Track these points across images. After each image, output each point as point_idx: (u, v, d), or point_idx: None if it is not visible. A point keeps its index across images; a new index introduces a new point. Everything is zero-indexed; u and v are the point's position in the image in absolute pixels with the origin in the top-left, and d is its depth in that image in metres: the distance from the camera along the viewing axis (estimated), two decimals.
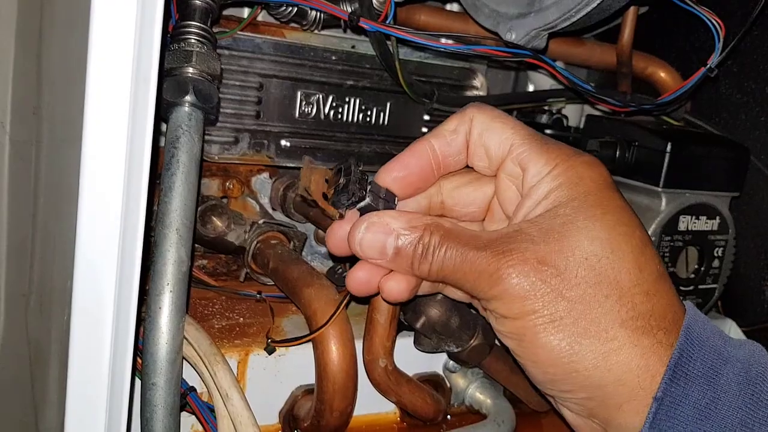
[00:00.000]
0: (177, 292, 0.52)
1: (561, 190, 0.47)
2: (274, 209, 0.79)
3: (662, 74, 0.93)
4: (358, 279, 0.51)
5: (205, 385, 0.56)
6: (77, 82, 0.44)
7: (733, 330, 0.91)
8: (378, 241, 0.48)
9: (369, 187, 0.50)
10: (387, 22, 0.68)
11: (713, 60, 0.71)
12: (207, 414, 0.55)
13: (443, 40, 0.71)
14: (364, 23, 0.66)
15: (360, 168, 0.51)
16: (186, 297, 0.53)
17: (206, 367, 0.54)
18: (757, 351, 0.46)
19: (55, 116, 0.66)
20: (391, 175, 0.51)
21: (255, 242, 0.71)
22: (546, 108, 0.91)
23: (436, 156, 0.51)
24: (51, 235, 0.64)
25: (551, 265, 0.44)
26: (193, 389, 0.57)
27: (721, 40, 0.70)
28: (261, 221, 0.73)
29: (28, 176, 0.88)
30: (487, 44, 0.71)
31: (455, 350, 0.63)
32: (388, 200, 0.50)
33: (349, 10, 0.70)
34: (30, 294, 0.92)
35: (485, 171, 0.52)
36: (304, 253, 0.78)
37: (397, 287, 0.50)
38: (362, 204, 0.49)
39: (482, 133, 0.50)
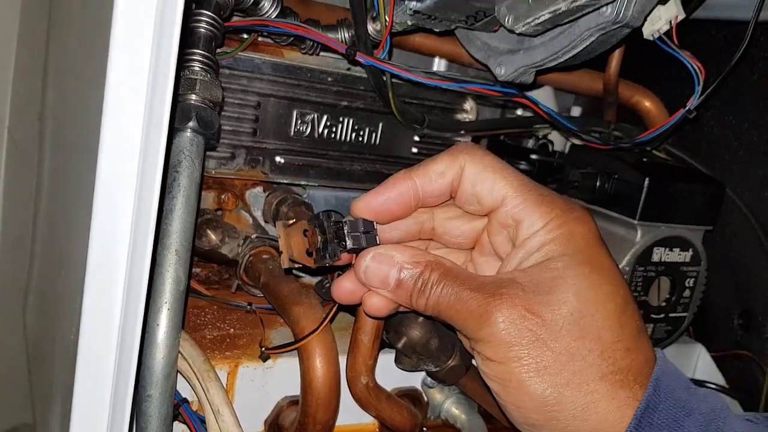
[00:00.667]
0: (174, 309, 0.55)
1: (553, 244, 0.49)
2: (266, 222, 0.81)
3: (647, 104, 0.96)
4: (343, 288, 0.53)
5: (198, 398, 0.59)
6: (91, 101, 0.46)
7: (702, 354, 0.94)
8: (382, 271, 0.50)
9: (347, 229, 0.51)
10: (383, 55, 0.70)
11: (692, 102, 0.74)
12: (198, 425, 0.58)
13: (436, 78, 0.74)
14: (360, 57, 0.68)
15: (333, 219, 0.52)
16: (182, 314, 0.56)
17: (200, 382, 0.57)
18: (719, 405, 0.48)
19: (61, 127, 0.69)
20: (369, 207, 0.52)
21: (247, 256, 0.74)
22: (532, 133, 0.94)
23: (417, 194, 0.52)
24: (57, 243, 0.66)
25: (538, 315, 0.46)
26: (185, 401, 0.60)
27: (701, 83, 0.73)
28: (254, 236, 0.75)
29: (29, 178, 0.90)
30: (477, 80, 0.74)
31: (433, 370, 0.66)
32: (367, 230, 0.52)
33: (346, 36, 0.73)
34: (28, 290, 0.95)
35: (476, 213, 0.53)
36: None
37: (379, 303, 0.52)
38: (347, 249, 0.52)
39: (474, 184, 0.51)
